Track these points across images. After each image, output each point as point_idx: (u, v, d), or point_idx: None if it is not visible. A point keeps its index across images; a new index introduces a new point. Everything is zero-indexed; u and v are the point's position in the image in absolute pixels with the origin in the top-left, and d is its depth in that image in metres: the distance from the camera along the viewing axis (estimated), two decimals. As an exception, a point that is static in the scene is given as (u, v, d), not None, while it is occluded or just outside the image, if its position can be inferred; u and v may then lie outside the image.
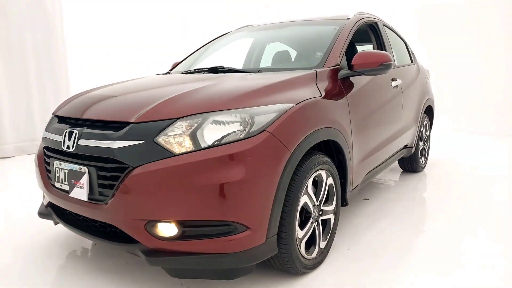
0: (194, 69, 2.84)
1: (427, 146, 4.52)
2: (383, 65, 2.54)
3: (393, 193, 3.63)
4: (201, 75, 2.64)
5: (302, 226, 2.05)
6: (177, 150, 1.67)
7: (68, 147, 1.91)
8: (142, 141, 1.69)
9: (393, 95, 3.21)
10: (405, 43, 4.19)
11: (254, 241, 1.74)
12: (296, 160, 1.88)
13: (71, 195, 1.89)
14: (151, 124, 1.73)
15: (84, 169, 1.82)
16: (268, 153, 1.74)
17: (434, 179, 4.17)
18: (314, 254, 2.15)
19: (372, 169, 2.99)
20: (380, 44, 3.40)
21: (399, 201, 3.37)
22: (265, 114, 1.81)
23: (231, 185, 1.65)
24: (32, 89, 5.79)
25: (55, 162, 2.00)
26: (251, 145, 1.70)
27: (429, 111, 4.51)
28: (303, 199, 1.99)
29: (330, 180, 2.26)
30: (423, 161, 4.40)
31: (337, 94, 2.37)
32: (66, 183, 1.92)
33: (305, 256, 2.06)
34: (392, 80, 3.23)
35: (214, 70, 2.73)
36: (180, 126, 1.70)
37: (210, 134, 1.70)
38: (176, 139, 1.69)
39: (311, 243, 2.16)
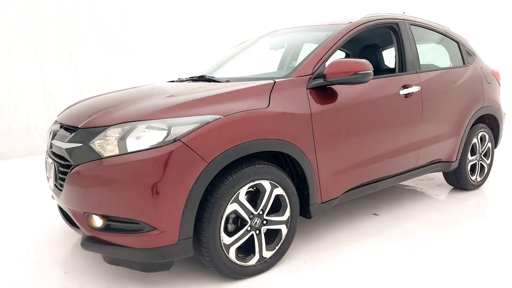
0: (188, 78, 3.06)
1: (487, 161, 3.91)
2: (358, 74, 2.40)
3: (413, 210, 3.29)
4: (184, 84, 2.84)
5: (233, 233, 2.12)
6: (104, 153, 1.95)
7: (49, 145, 2.36)
8: (82, 144, 2.01)
9: (401, 104, 2.92)
10: (458, 43, 3.70)
11: (163, 241, 1.91)
12: (215, 170, 1.97)
13: (49, 183, 2.34)
14: (90, 130, 2.04)
15: (53, 163, 2.24)
16: (178, 161, 1.89)
17: (483, 199, 3.62)
18: (252, 262, 2.20)
19: (367, 183, 2.81)
20: (399, 47, 3.11)
21: (409, 221, 3.06)
22: (184, 125, 1.95)
23: (138, 188, 1.87)
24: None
25: (46, 157, 2.48)
26: (161, 153, 1.87)
27: (490, 121, 3.89)
28: (232, 207, 2.07)
29: (279, 191, 2.26)
30: (477, 178, 3.82)
31: (297, 105, 2.33)
32: (47, 174, 2.38)
33: (237, 262, 2.14)
34: (404, 87, 2.94)
35: (202, 78, 2.92)
36: (110, 133, 1.97)
37: (131, 141, 1.92)
38: (105, 144, 1.96)
39: (251, 250, 2.21)
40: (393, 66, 3.20)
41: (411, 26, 3.24)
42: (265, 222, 2.24)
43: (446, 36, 3.64)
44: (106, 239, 2.00)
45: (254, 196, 2.21)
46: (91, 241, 2.04)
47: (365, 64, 2.43)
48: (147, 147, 1.90)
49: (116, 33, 7.28)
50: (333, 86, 2.54)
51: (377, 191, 3.09)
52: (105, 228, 1.98)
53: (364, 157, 2.71)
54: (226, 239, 2.08)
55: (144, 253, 1.93)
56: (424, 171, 3.34)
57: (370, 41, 3.51)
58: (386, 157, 2.88)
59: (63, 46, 6.68)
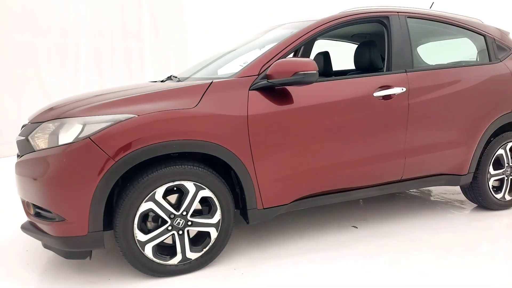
0: (168, 76, 3.13)
1: (520, 177, 3.28)
2: (298, 75, 2.23)
3: (403, 226, 2.92)
4: (144, 83, 2.89)
5: (151, 231, 2.16)
6: (35, 147, 2.14)
7: None
8: (24, 138, 2.24)
9: (375, 107, 2.60)
10: (485, 37, 3.15)
11: (73, 231, 2.04)
12: (123, 168, 2.03)
13: None
14: (32, 125, 2.25)
15: (18, 154, 2.53)
16: (85, 158, 1.99)
17: (501, 224, 3.05)
18: (173, 262, 2.22)
19: (328, 193, 2.60)
20: (388, 43, 2.78)
21: (388, 239, 2.73)
22: (97, 123, 2.04)
23: (50, 181, 2.02)
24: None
25: None
26: (70, 149, 2.00)
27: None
28: (147, 205, 2.11)
29: (206, 193, 2.23)
30: (506, 197, 3.22)
31: (232, 107, 2.26)
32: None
33: (154, 259, 2.17)
34: (382, 88, 2.62)
35: (169, 78, 2.97)
36: (43, 128, 2.15)
37: (53, 137, 2.08)
38: (37, 139, 2.15)
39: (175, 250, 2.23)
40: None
41: (408, 19, 2.87)
42: (189, 223, 2.23)
43: (465, 28, 3.12)
44: (38, 226, 2.20)
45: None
46: (29, 226, 2.25)
47: (307, 63, 2.25)
48: (61, 143, 2.03)
49: (117, 34, 7.23)
50: (290, 87, 2.40)
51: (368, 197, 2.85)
52: (36, 215, 2.18)
53: (319, 164, 2.50)
54: (140, 236, 2.12)
55: (60, 241, 2.08)
56: (420, 184, 2.95)
57: (368, 38, 3.20)
58: (352, 166, 2.61)
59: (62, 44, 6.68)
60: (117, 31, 7.13)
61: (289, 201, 2.48)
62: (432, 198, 3.60)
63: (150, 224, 2.20)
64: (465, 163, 3.00)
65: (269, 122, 2.33)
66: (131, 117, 2.07)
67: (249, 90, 2.32)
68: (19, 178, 2.23)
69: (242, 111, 2.26)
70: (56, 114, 2.17)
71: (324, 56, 3.51)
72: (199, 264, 2.29)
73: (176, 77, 2.88)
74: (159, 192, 2.13)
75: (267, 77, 2.31)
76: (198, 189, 2.21)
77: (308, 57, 4.01)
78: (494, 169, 3.14)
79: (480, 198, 3.17)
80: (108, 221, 2.13)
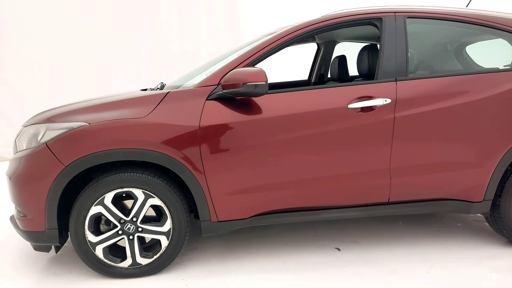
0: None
1: None
2: (246, 86, 2.14)
3: (395, 254, 2.58)
4: (127, 92, 2.97)
5: (100, 233, 2.28)
6: (18, 149, 2.42)
7: None
8: (15, 140, 2.54)
9: (350, 120, 2.32)
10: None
11: (33, 227, 2.26)
12: (73, 173, 2.17)
13: None
14: (21, 128, 2.54)
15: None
16: (40, 162, 2.19)
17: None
18: (123, 265, 2.31)
19: (296, 210, 2.43)
20: (380, 48, 2.48)
21: (367, 268, 2.44)
22: (55, 130, 2.22)
23: (15, 180, 2.27)
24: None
25: None
26: (32, 153, 2.22)
27: None
28: (96, 209, 2.23)
29: (156, 202, 2.27)
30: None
31: (186, 117, 2.25)
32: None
33: (104, 260, 2.29)
34: (360, 99, 2.34)
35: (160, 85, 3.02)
36: (23, 132, 2.42)
37: (25, 141, 2.33)
38: (18, 141, 2.42)
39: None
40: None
41: (408, 19, 2.51)
42: (140, 229, 2.29)
43: (497, 28, 2.60)
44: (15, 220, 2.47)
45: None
46: (12, 219, 2.53)
47: (256, 74, 2.13)
48: (30, 146, 2.26)
49: (174, 38, 7.28)
50: (255, 98, 2.31)
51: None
52: (16, 210, 2.46)
53: (282, 179, 2.35)
54: (91, 237, 2.26)
55: (25, 234, 2.32)
56: (418, 209, 2.56)
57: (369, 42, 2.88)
58: (322, 183, 2.39)
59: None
60: (175, 35, 7.45)
61: (247, 216, 2.39)
62: (450, 223, 3.11)
63: (102, 227, 2.32)
64: (479, 189, 2.52)
65: (224, 133, 2.26)
66: (83, 125, 2.20)
67: (207, 100, 2.28)
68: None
69: (195, 121, 2.24)
70: (36, 120, 2.42)
71: (340, 60, 3.26)
72: (149, 270, 2.35)
73: (164, 85, 2.96)
74: (108, 197, 2.23)
75: (222, 87, 2.25)
76: (147, 197, 2.26)
77: (329, 61, 3.79)
78: (523, 199, 2.58)
79: (505, 231, 2.64)
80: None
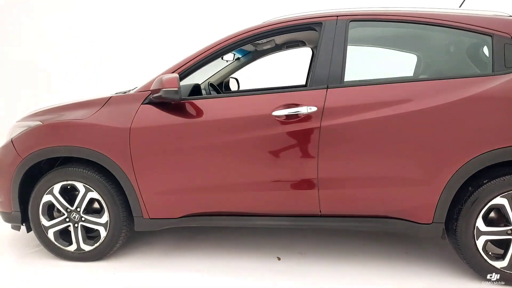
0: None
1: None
2: (162, 91, 2.28)
3: (333, 272, 2.44)
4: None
5: (51, 218, 2.61)
6: None
7: None
8: None
9: (273, 127, 2.26)
10: (493, 37, 2.25)
11: (4, 208, 2.68)
12: (28, 164, 2.54)
13: None
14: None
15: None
16: (7, 154, 2.60)
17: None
18: (70, 249, 2.62)
19: (224, 214, 2.47)
20: (317, 52, 2.37)
21: (296, 279, 2.36)
22: (20, 127, 2.62)
23: None
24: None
25: None
26: (4, 146, 2.65)
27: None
28: (47, 197, 2.57)
29: (95, 195, 2.52)
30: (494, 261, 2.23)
31: (121, 120, 2.45)
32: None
33: (55, 243, 2.62)
34: (285, 106, 2.27)
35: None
36: (12, 128, 2.88)
37: (7, 136, 2.77)
38: (8, 136, 2.89)
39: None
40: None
41: (352, 23, 2.36)
42: (83, 219, 2.57)
43: (458, 28, 2.29)
44: None
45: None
46: None
47: (169, 80, 2.25)
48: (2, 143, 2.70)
49: (117, 38, 7.11)
50: (193, 101, 2.44)
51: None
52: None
53: (210, 183, 2.40)
54: (44, 221, 2.61)
55: (1, 214, 2.76)
56: (359, 225, 2.38)
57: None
58: (249, 190, 2.38)
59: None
60: (119, 36, 7.26)
61: (178, 215, 2.50)
62: (428, 246, 2.77)
63: (55, 214, 2.65)
64: (427, 209, 2.25)
65: (152, 135, 2.41)
66: (38, 124, 2.56)
67: (142, 104, 2.46)
68: None
69: (127, 123, 2.43)
70: (21, 118, 2.87)
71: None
72: (91, 256, 2.61)
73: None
74: (56, 188, 2.55)
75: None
76: (87, 190, 2.53)
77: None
78: (488, 225, 2.22)
79: (465, 260, 2.31)
80: None
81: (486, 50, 2.31)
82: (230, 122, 2.35)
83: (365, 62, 2.74)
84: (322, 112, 2.24)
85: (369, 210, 2.34)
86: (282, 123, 2.27)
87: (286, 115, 2.27)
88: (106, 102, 2.54)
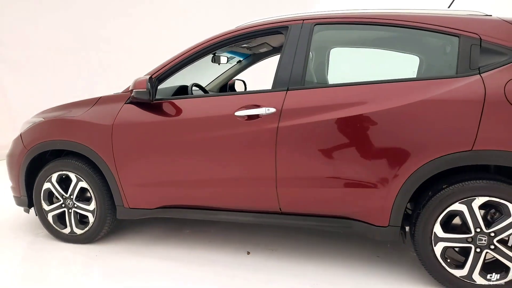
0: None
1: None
2: (134, 92, 2.51)
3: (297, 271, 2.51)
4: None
5: (51, 204, 2.95)
6: None
7: None
8: None
9: (236, 127, 2.37)
10: (460, 38, 2.18)
11: (15, 193, 3.08)
12: (32, 155, 2.89)
13: None
14: None
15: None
16: (17, 147, 2.99)
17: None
18: (65, 231, 2.94)
19: (194, 207, 2.64)
20: (281, 55, 2.45)
21: (253, 273, 2.46)
22: (28, 123, 3.00)
23: (6, 158, 3.11)
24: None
25: None
26: (13, 140, 3.04)
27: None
28: (47, 185, 2.91)
29: (84, 185, 2.82)
30: (472, 278, 2.15)
31: (106, 117, 2.71)
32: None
33: (53, 225, 2.96)
34: (246, 107, 2.37)
35: None
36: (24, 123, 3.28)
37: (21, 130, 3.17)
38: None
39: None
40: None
41: (317, 26, 2.41)
42: (75, 205, 2.88)
43: (423, 29, 2.24)
44: None
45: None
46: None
47: (140, 82, 2.47)
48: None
49: (121, 41, 7.18)
50: (167, 101, 2.63)
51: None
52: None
53: (180, 178, 2.58)
54: (45, 206, 2.96)
55: (14, 198, 3.15)
56: (319, 224, 2.42)
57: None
58: (214, 185, 2.52)
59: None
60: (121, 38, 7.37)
61: (153, 206, 2.72)
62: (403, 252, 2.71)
63: (54, 200, 2.99)
64: (382, 212, 2.24)
65: (131, 132, 2.64)
66: (40, 121, 2.91)
67: (125, 103, 2.71)
68: None
69: (111, 120, 2.69)
70: (32, 116, 3.26)
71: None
72: (82, 239, 2.92)
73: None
74: (54, 177, 2.88)
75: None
76: (78, 180, 2.83)
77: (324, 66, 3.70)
78: (448, 231, 2.16)
79: (424, 266, 2.26)
80: None
81: (453, 51, 2.23)
82: (197, 121, 2.51)
83: (337, 64, 2.75)
84: (280, 114, 2.32)
85: (327, 210, 2.38)
86: (244, 123, 2.38)
87: (248, 116, 2.38)
88: (96, 101, 2.82)
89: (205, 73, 4.01)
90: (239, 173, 2.45)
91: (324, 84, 2.34)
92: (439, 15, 2.26)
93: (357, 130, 2.20)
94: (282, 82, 2.38)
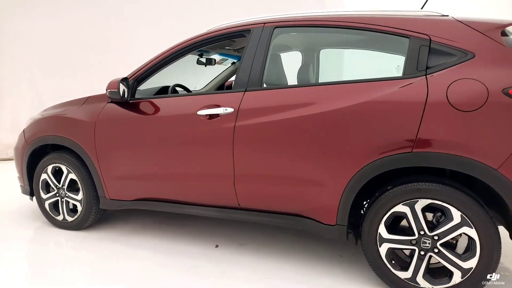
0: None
1: (460, 261, 2.04)
2: (108, 92, 2.72)
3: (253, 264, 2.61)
4: None
5: (48, 193, 3.27)
6: None
7: None
8: None
9: (197, 126, 2.50)
10: (410, 39, 2.18)
11: (21, 182, 3.44)
12: (31, 148, 3.23)
13: None
14: None
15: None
16: (20, 141, 3.34)
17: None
18: (59, 218, 3.25)
19: (164, 201, 2.82)
20: (242, 58, 2.56)
21: (211, 264, 2.59)
22: (30, 120, 3.34)
23: (13, 151, 3.48)
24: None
25: None
26: (19, 134, 3.40)
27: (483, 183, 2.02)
28: (44, 176, 3.23)
29: (73, 176, 3.10)
30: (417, 282, 2.14)
31: (91, 115, 2.97)
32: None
33: (49, 213, 3.27)
34: (207, 107, 2.50)
35: None
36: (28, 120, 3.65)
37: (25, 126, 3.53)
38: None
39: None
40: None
41: (275, 29, 2.49)
42: (66, 195, 3.17)
43: (381, 32, 2.25)
44: None
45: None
46: None
47: (112, 83, 2.68)
48: None
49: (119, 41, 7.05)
50: (141, 101, 2.83)
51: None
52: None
53: (151, 172, 2.76)
54: (42, 195, 3.28)
55: (20, 187, 3.53)
56: (275, 220, 2.50)
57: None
58: (180, 180, 2.68)
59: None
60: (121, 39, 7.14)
61: (130, 198, 2.93)
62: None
63: (50, 189, 3.30)
64: (330, 210, 2.29)
65: (110, 129, 2.87)
66: (39, 117, 3.24)
67: (108, 102, 2.95)
68: None
69: (94, 118, 2.94)
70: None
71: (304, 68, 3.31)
72: (73, 226, 3.20)
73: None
74: (49, 168, 3.20)
75: (114, 94, 2.87)
76: (68, 172, 3.12)
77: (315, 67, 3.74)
78: (391, 232, 2.17)
79: (371, 266, 2.27)
80: None
81: (404, 52, 2.23)
82: (165, 119, 2.68)
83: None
84: (237, 113, 2.43)
85: (281, 207, 2.45)
86: (205, 122, 2.52)
87: (209, 115, 2.52)
88: (85, 100, 3.09)
89: (202, 74, 4.20)
90: (201, 169, 2.60)
91: (279, 86, 2.42)
92: (393, 16, 2.27)
93: (305, 130, 2.26)
94: (241, 83, 2.49)
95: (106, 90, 2.76)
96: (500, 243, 1.98)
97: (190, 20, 7.04)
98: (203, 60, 3.55)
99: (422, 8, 2.50)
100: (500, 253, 1.98)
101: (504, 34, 2.08)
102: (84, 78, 6.85)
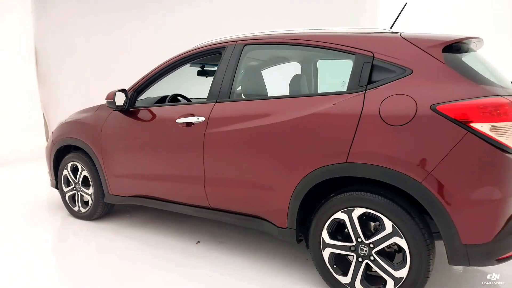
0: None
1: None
2: (106, 102, 3.14)
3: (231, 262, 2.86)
4: None
5: (68, 186, 3.80)
6: None
7: None
8: None
9: (176, 132, 2.82)
10: (356, 56, 2.30)
11: (50, 176, 4.03)
12: (56, 148, 3.78)
13: None
14: None
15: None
16: (50, 141, 3.92)
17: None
18: (75, 209, 3.76)
19: (153, 198, 3.17)
20: (216, 72, 2.83)
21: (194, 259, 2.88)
22: (58, 123, 3.91)
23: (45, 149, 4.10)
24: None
25: None
26: (49, 135, 3.99)
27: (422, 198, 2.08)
28: (65, 172, 3.77)
29: (86, 173, 3.59)
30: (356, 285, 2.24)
31: (100, 121, 3.44)
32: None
33: (69, 205, 3.81)
34: (184, 115, 2.81)
35: None
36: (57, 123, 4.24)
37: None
38: None
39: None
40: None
41: (247, 47, 2.73)
42: (81, 189, 3.68)
43: (329, 49, 2.39)
44: None
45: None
46: None
47: (110, 94, 3.09)
48: None
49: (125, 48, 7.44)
50: (137, 110, 3.23)
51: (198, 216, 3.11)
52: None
53: (140, 172, 3.15)
54: (64, 188, 3.83)
55: (50, 181, 4.13)
56: (240, 221, 2.72)
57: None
58: (162, 180, 3.02)
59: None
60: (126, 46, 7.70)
61: (127, 195, 3.34)
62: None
63: (70, 184, 3.83)
64: (281, 214, 2.47)
65: (112, 133, 3.32)
66: (64, 121, 3.79)
67: (113, 110, 3.39)
68: None
69: (102, 123, 3.41)
70: None
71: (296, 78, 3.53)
72: (85, 217, 3.70)
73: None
74: (68, 166, 3.73)
75: (114, 102, 3.31)
76: (82, 169, 3.62)
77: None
78: (333, 238, 2.30)
79: (318, 270, 2.41)
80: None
81: (350, 69, 2.35)
82: (152, 126, 3.05)
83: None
84: (207, 122, 2.71)
85: (244, 209, 2.67)
86: (182, 129, 2.84)
87: (186, 123, 2.83)
88: (98, 107, 3.58)
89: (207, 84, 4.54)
90: (179, 171, 2.91)
91: (244, 98, 2.66)
92: (343, 34, 2.40)
93: (260, 139, 2.47)
94: (213, 95, 2.77)
95: (105, 99, 3.19)
96: (430, 254, 2.02)
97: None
98: (203, 71, 3.89)
99: (391, 27, 2.57)
100: (430, 264, 2.03)
101: (449, 50, 2.13)
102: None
